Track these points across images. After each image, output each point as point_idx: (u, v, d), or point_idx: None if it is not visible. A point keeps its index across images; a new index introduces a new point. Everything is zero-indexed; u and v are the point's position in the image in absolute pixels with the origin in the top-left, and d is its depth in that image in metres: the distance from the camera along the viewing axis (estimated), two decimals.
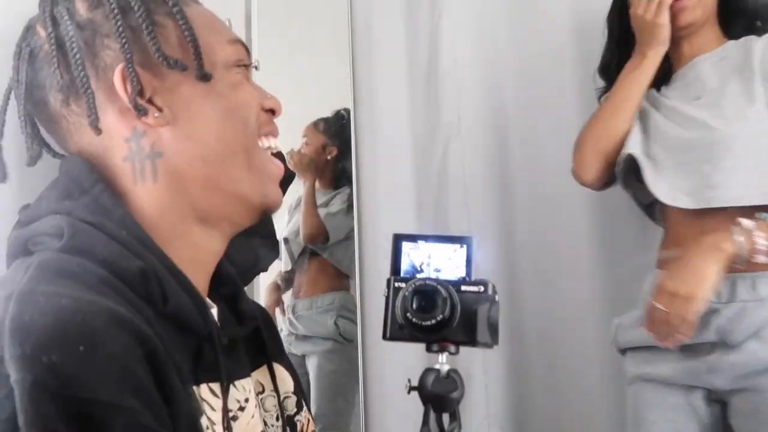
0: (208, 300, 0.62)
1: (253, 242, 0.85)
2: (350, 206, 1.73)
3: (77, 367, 0.41)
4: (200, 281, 0.61)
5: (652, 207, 1.29)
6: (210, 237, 0.62)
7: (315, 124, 1.86)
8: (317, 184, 1.87)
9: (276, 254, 0.95)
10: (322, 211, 1.82)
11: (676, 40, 1.25)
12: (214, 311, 0.61)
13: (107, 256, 0.51)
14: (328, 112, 1.87)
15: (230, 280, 0.68)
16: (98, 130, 0.57)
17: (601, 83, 1.36)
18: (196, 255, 0.61)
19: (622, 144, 1.21)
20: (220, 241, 0.64)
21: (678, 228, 1.17)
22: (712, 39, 1.25)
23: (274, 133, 0.66)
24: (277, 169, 0.65)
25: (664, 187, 1.14)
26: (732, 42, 1.23)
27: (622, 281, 1.46)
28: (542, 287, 1.57)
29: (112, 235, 0.53)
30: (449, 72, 1.74)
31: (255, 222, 0.65)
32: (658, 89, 1.27)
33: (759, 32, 1.21)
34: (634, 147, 1.19)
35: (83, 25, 0.58)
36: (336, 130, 1.83)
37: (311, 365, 1.76)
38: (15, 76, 0.60)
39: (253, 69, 1.46)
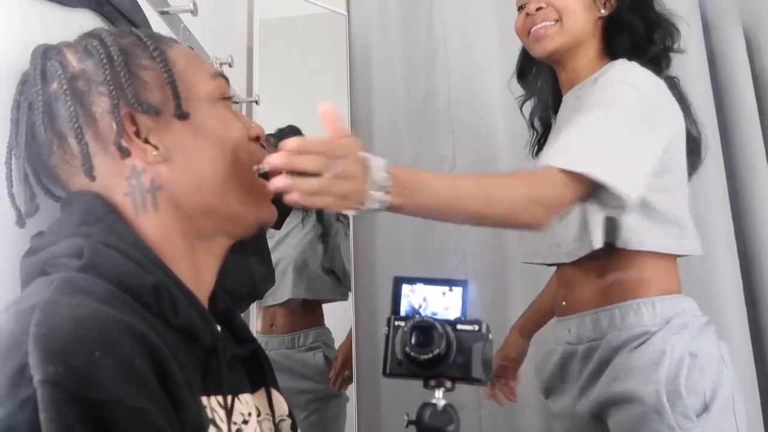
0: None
1: (249, 265, 0.87)
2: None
3: (94, 370, 0.44)
4: (202, 298, 0.65)
5: None
6: (209, 251, 0.67)
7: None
8: None
9: (272, 281, 0.96)
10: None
11: (555, 66, 1.15)
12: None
13: (124, 273, 0.55)
14: None
15: (224, 298, 0.73)
16: (92, 177, 0.61)
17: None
18: (198, 272, 0.65)
19: None
20: (220, 250, 0.68)
21: None
22: (586, 65, 1.11)
23: (263, 159, 0.70)
24: (268, 190, 0.69)
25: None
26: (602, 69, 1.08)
27: None
28: None
29: (128, 255, 0.57)
30: (444, 109, 1.80)
31: (252, 233, 0.70)
32: None
33: (642, 52, 1.08)
34: None
35: (77, 76, 0.62)
36: None
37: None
38: (14, 129, 0.64)
39: (254, 103, 1.50)
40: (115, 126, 0.60)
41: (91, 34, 0.65)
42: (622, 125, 0.94)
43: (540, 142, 1.27)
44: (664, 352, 0.97)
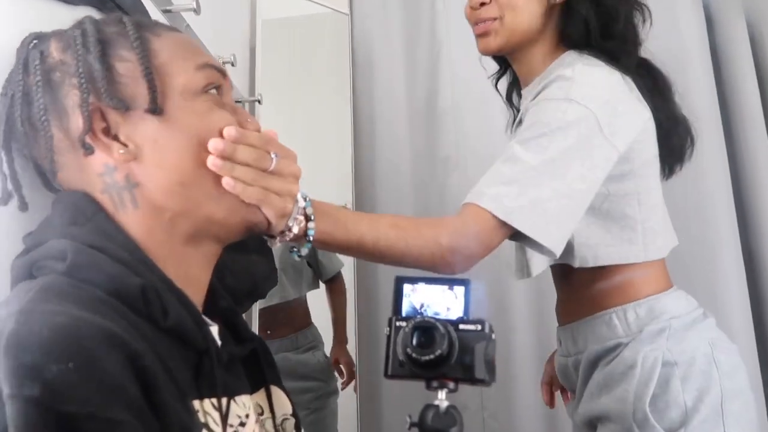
0: (207, 319, 0.64)
1: (249, 263, 0.85)
2: None
3: (69, 382, 0.42)
4: (195, 297, 0.63)
5: None
6: (198, 252, 0.63)
7: None
8: None
9: (275, 280, 0.94)
10: None
11: (508, 58, 1.06)
12: (215, 329, 0.63)
13: (110, 275, 0.54)
14: (330, 148, 1.85)
15: (225, 297, 0.71)
16: (54, 174, 0.60)
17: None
18: (189, 270, 0.62)
19: None
20: (211, 253, 0.65)
21: None
22: (540, 59, 1.01)
23: None
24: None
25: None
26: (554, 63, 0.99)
27: None
28: (536, 323, 1.59)
29: (115, 256, 0.55)
30: (447, 109, 1.79)
31: (242, 237, 0.66)
32: None
33: (595, 47, 0.97)
34: None
35: (54, 67, 0.60)
36: None
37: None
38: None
39: (256, 103, 1.50)
40: (81, 121, 0.58)
41: (78, 23, 0.63)
42: (559, 162, 0.87)
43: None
44: (634, 365, 0.92)
